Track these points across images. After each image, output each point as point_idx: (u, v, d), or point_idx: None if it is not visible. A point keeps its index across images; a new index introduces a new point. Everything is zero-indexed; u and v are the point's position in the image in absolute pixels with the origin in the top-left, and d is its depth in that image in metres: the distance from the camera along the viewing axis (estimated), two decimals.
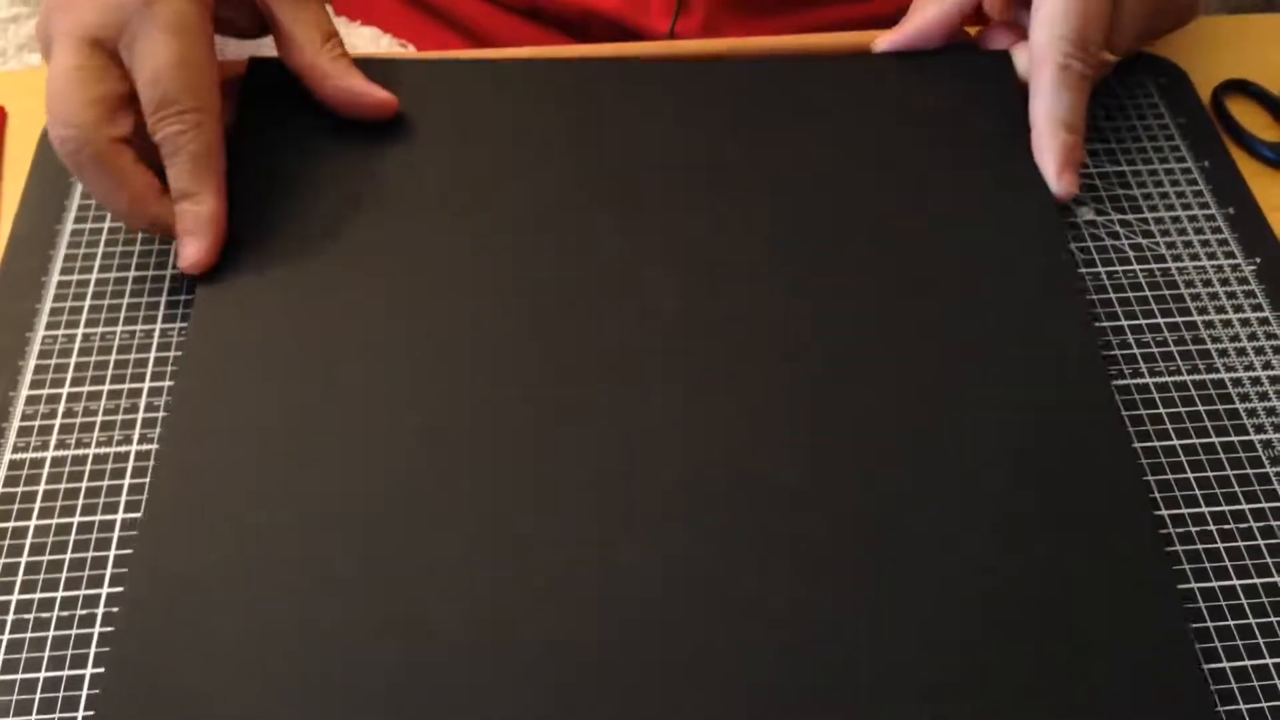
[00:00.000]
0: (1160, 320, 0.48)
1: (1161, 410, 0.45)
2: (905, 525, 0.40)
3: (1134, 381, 0.46)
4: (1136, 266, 0.49)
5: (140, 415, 0.44)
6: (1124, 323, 0.47)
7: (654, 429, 0.43)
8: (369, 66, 0.51)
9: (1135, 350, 0.47)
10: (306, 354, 0.45)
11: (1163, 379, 0.46)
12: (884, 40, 0.54)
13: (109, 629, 0.39)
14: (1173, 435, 0.44)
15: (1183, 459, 0.43)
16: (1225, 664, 0.39)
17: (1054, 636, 0.38)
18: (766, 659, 0.38)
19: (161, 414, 0.44)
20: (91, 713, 0.37)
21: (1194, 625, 0.39)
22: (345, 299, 0.46)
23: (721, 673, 0.37)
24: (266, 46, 0.52)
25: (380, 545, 0.40)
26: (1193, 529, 0.42)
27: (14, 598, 0.40)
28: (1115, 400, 0.43)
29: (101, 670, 0.38)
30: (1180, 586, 0.40)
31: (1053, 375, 0.44)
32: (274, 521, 0.40)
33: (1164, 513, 0.42)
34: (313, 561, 0.40)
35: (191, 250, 0.46)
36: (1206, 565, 0.41)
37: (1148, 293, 0.48)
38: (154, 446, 0.43)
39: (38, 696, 0.38)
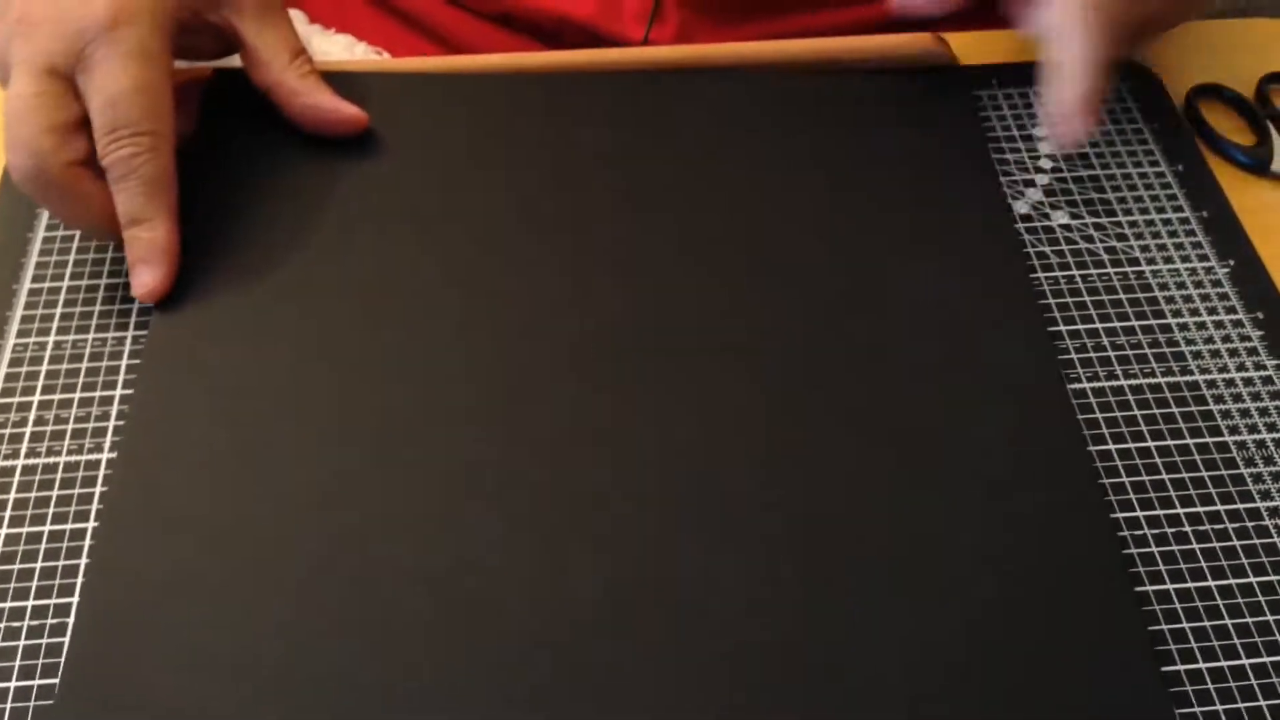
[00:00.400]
0: (1134, 323, 0.48)
1: (1136, 412, 0.45)
2: (863, 532, 0.41)
3: (1109, 384, 0.46)
4: (1111, 270, 0.49)
5: (111, 423, 0.44)
6: (1098, 325, 0.48)
7: (612, 438, 0.43)
8: (338, 80, 0.51)
9: (1110, 353, 0.47)
10: (263, 369, 0.45)
11: (1136, 381, 0.46)
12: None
13: None
14: (1147, 437, 0.44)
15: (1157, 460, 0.44)
16: (1202, 665, 0.39)
17: (1016, 643, 0.39)
18: (725, 668, 0.38)
19: (118, 423, 0.44)
20: None
21: (1170, 626, 0.39)
22: (304, 313, 0.46)
23: (679, 680, 0.38)
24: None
25: (337, 549, 0.40)
26: (1168, 530, 0.42)
27: None
28: (1070, 403, 0.44)
29: None
30: (1157, 588, 0.40)
31: (1010, 381, 0.45)
32: (232, 527, 0.41)
33: (1139, 514, 0.42)
34: (271, 565, 0.40)
35: (147, 278, 0.46)
36: (1182, 566, 0.41)
37: (1121, 295, 0.49)
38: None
39: (8, 706, 0.37)
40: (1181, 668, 0.39)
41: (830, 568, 0.40)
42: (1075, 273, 0.49)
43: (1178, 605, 0.40)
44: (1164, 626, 0.39)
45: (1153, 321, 0.48)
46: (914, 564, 0.40)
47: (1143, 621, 0.39)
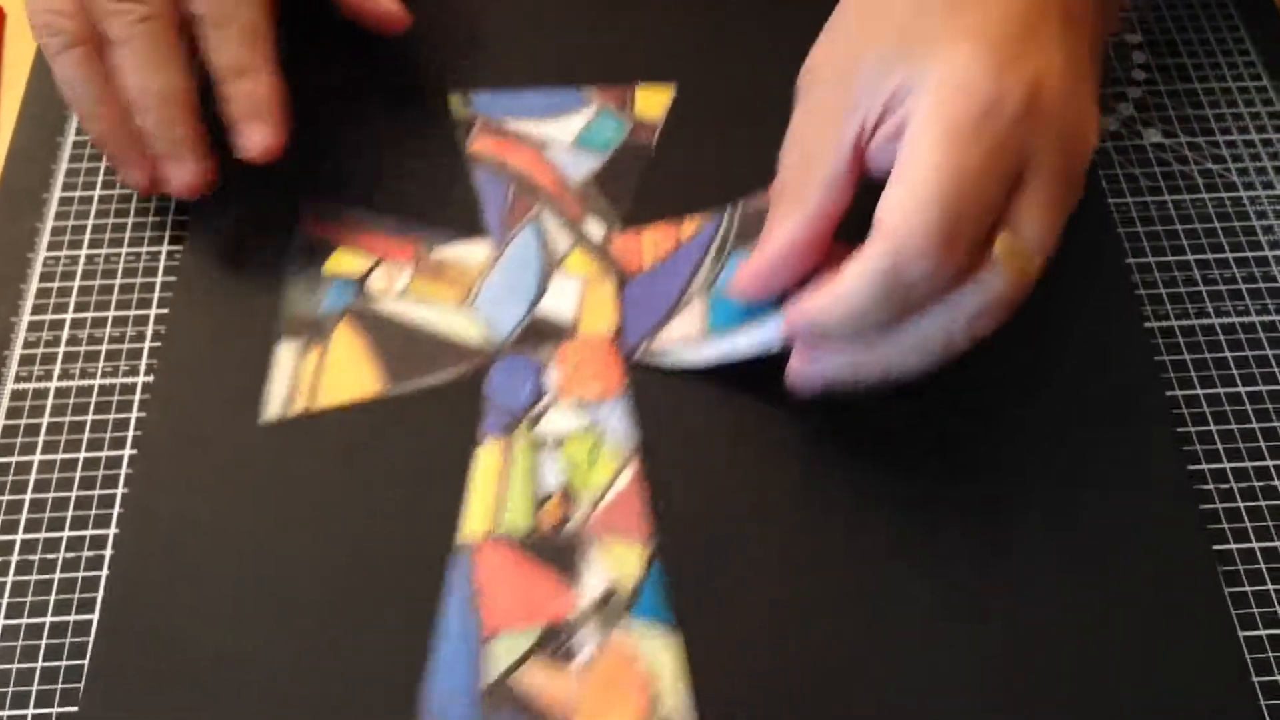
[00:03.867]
0: (1229, 255, 0.44)
1: (1228, 354, 0.42)
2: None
3: (1198, 322, 0.43)
4: (1205, 195, 0.46)
5: (147, 345, 0.42)
6: (1189, 256, 0.44)
7: None
8: None
9: (1202, 288, 0.43)
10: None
11: (1228, 319, 0.43)
12: (746, 274, 0.39)
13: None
14: (1238, 381, 0.41)
15: (1248, 407, 0.41)
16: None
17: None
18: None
19: (154, 345, 0.42)
20: None
21: (1254, 588, 0.37)
22: None
23: None
24: None
25: (387, 467, 0.39)
26: (1256, 484, 0.39)
27: (18, 537, 0.38)
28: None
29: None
30: (1241, 546, 0.38)
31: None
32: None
33: (1225, 465, 0.40)
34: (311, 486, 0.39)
35: (258, 136, 0.42)
36: (1269, 524, 0.39)
37: (1216, 224, 0.45)
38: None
39: (43, 643, 0.36)
40: (1264, 633, 0.37)
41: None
42: (1166, 197, 0.46)
43: (1262, 565, 0.38)
44: (1247, 588, 0.37)
45: (1249, 254, 0.44)
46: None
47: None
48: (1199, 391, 0.41)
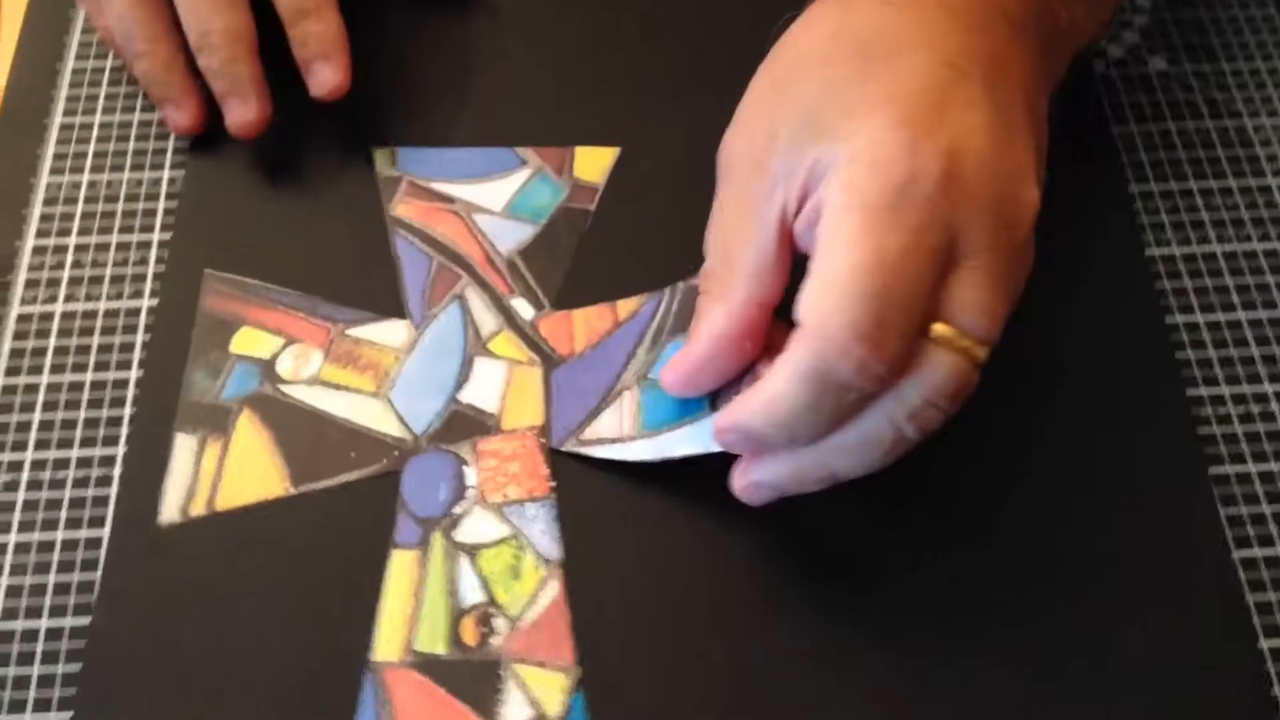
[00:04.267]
0: (1232, 183, 0.44)
1: (1229, 281, 0.42)
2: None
3: (1199, 249, 0.43)
4: (1210, 123, 0.46)
5: (150, 269, 0.42)
6: (1192, 184, 0.44)
7: None
8: None
9: (1204, 215, 0.44)
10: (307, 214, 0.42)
11: (1231, 246, 0.43)
12: (674, 372, 0.36)
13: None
14: (1238, 307, 0.42)
15: (1248, 333, 0.41)
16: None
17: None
18: None
19: (158, 269, 0.42)
20: None
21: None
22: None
23: None
24: None
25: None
26: (1254, 408, 0.40)
27: (28, 456, 0.39)
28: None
29: None
30: (1238, 469, 0.39)
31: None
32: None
33: (1224, 390, 0.40)
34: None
35: (328, 75, 0.42)
36: (1266, 448, 0.39)
37: (1220, 152, 0.45)
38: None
39: (55, 558, 0.37)
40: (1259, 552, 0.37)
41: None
42: (1170, 124, 0.46)
43: (1258, 488, 0.38)
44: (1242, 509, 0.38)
45: (1251, 182, 0.44)
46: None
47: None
48: (1199, 319, 0.41)
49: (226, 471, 0.38)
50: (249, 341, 0.40)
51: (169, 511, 0.37)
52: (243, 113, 0.42)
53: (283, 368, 0.40)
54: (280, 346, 0.40)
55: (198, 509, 0.37)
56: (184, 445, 0.38)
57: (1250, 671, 0.35)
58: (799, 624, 0.35)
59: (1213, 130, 0.46)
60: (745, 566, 0.36)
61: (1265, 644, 0.36)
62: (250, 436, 0.39)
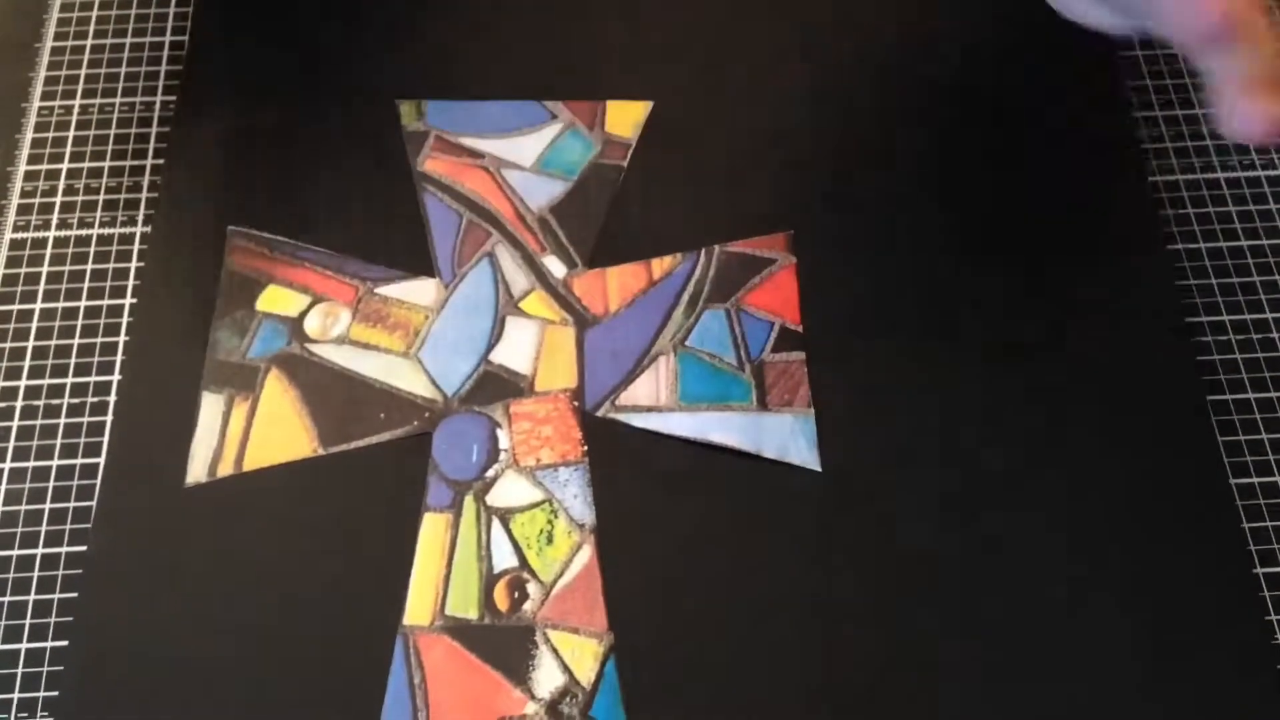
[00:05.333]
0: None
1: (1231, 208, 0.42)
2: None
3: (1204, 176, 0.42)
4: None
5: (144, 195, 0.42)
6: (1198, 111, 0.44)
7: None
8: None
9: (1208, 142, 0.43)
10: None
11: (1234, 174, 0.42)
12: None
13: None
14: (1241, 235, 0.41)
15: (1250, 260, 0.41)
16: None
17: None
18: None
19: (150, 195, 0.42)
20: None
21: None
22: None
23: None
24: None
25: None
26: (1254, 336, 0.39)
27: (22, 383, 0.39)
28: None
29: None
30: (1237, 397, 0.38)
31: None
32: None
33: (1225, 318, 0.40)
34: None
35: None
36: (1265, 375, 0.39)
37: None
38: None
39: (50, 485, 0.37)
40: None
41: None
42: (1175, 50, 0.45)
43: (1257, 414, 0.38)
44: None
45: None
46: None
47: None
48: (1201, 245, 0.41)
49: (254, 431, 0.37)
50: (276, 299, 0.39)
51: (196, 471, 0.37)
52: None
53: (310, 326, 0.39)
54: (308, 305, 0.39)
55: (226, 468, 0.37)
56: (211, 404, 0.38)
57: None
58: (832, 589, 0.35)
59: None
60: (779, 532, 0.36)
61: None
62: (278, 396, 0.38)
